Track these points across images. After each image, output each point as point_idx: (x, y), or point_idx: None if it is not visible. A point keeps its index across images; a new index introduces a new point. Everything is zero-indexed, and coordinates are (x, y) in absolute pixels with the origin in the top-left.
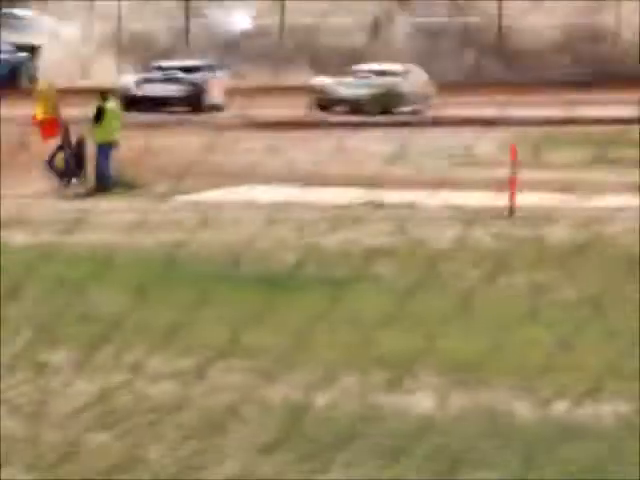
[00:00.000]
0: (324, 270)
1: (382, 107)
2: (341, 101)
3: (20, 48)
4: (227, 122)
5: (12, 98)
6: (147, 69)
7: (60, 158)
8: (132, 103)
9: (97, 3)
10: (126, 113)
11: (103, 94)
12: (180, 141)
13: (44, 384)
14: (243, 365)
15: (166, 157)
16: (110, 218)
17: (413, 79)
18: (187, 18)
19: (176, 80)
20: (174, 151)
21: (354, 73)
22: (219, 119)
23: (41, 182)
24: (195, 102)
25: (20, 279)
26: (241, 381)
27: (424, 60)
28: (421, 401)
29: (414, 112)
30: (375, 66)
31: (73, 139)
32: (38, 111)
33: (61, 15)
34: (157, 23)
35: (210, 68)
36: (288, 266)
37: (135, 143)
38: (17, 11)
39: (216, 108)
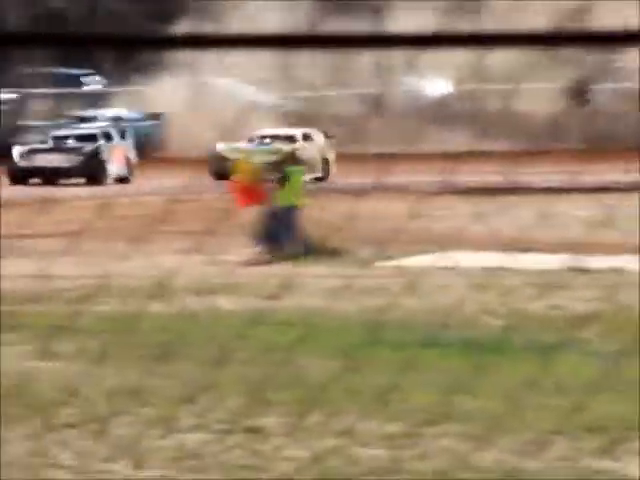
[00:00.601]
0: (531, 335)
1: (280, 174)
2: None
3: (150, 116)
4: (430, 188)
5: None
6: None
7: (265, 225)
8: (18, 176)
9: (295, 70)
10: (14, 187)
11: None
12: (383, 207)
13: (256, 448)
14: (453, 430)
15: (369, 223)
16: (314, 283)
17: (313, 144)
18: (382, 84)
19: (68, 150)
20: (377, 217)
21: (250, 138)
22: (422, 185)
23: (245, 248)
24: (93, 173)
25: (229, 344)
26: (452, 446)
27: (622, 125)
28: (635, 467)
29: (317, 179)
30: (273, 131)
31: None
32: (241, 177)
33: (258, 82)
34: (350, 90)
35: (108, 136)
36: (495, 331)
37: (338, 209)
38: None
39: (122, 179)
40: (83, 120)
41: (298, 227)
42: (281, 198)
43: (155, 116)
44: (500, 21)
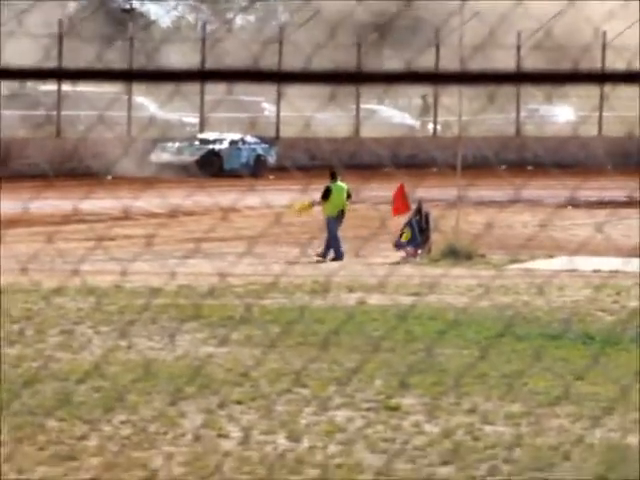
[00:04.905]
0: None
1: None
2: None
3: (262, 140)
4: (558, 202)
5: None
6: None
7: (407, 232)
8: None
9: None
10: None
11: (332, 174)
12: (515, 218)
13: (396, 424)
14: (568, 410)
15: (502, 231)
16: (453, 283)
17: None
18: (523, 111)
19: None
20: (508, 226)
21: None
22: (549, 199)
23: (392, 252)
24: None
25: (377, 335)
26: (566, 424)
27: None
28: None
29: None
30: None
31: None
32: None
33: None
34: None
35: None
36: (608, 327)
37: (474, 219)
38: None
39: None
40: (207, 142)
41: (334, 233)
42: (325, 208)
43: (270, 140)
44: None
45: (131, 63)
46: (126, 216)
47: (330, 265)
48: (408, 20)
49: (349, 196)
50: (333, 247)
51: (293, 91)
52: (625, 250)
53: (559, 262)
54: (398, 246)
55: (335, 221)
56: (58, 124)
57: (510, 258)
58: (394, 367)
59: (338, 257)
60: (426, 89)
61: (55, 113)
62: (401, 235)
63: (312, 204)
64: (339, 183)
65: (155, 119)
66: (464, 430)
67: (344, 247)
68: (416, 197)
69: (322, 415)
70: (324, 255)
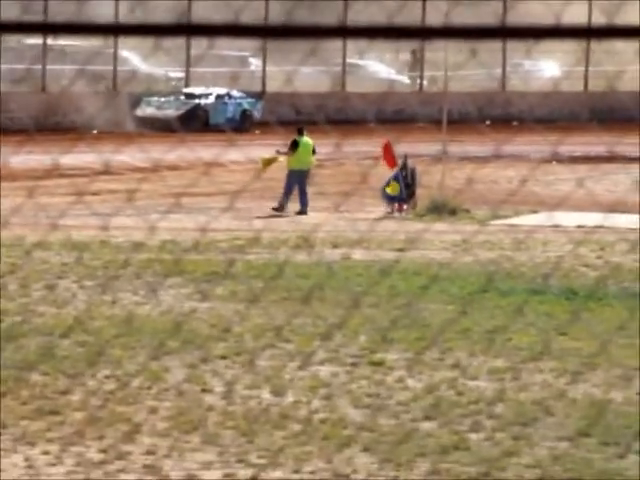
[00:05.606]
0: (623, 285)
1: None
2: None
3: (248, 94)
4: (543, 157)
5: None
6: None
7: (394, 186)
8: None
9: None
10: None
11: (299, 129)
12: (499, 173)
13: (380, 380)
14: (551, 366)
15: (486, 186)
16: (436, 238)
17: None
18: (504, 67)
19: None
20: (493, 181)
21: None
22: (534, 155)
23: (376, 207)
24: None
25: (361, 290)
26: (549, 380)
27: None
28: None
29: None
30: None
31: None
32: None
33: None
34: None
35: None
36: (591, 281)
37: (459, 174)
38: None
39: None
40: (193, 96)
41: (294, 186)
42: (290, 162)
43: (256, 95)
44: None
45: (117, 16)
46: (110, 171)
47: (313, 220)
48: None
49: (313, 152)
50: (284, 198)
51: (276, 46)
52: (608, 205)
53: (543, 217)
54: (386, 201)
55: (298, 175)
56: (43, 78)
57: (494, 213)
58: (378, 322)
59: (280, 209)
60: (414, 44)
61: (39, 67)
62: (388, 185)
63: (275, 158)
64: (305, 138)
65: (140, 73)
66: (447, 385)
67: (289, 204)
68: (401, 152)
69: (306, 370)
70: (304, 211)
